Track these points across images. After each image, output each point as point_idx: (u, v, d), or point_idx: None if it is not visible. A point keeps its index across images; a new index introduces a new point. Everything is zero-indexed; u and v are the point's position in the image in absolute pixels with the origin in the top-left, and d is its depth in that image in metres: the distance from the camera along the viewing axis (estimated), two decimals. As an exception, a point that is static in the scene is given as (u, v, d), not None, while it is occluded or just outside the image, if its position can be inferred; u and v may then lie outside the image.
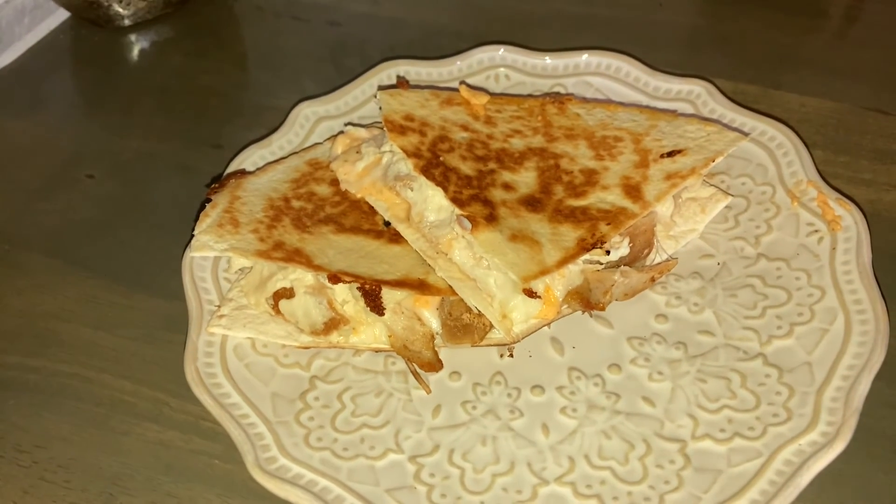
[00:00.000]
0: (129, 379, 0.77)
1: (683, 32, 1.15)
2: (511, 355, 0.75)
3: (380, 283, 0.72)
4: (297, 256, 0.73)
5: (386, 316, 0.73)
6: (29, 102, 1.09)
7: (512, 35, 1.07)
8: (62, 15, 1.20)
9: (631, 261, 0.76)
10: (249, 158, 0.89)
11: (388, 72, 0.98)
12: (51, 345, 0.81)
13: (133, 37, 1.18)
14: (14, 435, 0.74)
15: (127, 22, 1.17)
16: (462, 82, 0.89)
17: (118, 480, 0.71)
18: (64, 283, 0.86)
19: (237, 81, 1.12)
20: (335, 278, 0.71)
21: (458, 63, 0.99)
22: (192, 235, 0.81)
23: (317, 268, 0.72)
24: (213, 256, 0.80)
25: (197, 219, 0.77)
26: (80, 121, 1.08)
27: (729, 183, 0.86)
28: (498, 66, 0.99)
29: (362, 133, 0.84)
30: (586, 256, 0.72)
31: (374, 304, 0.72)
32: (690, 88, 0.93)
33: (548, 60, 0.99)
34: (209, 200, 0.79)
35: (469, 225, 0.72)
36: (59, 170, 0.99)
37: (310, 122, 0.94)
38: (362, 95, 0.96)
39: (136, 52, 1.17)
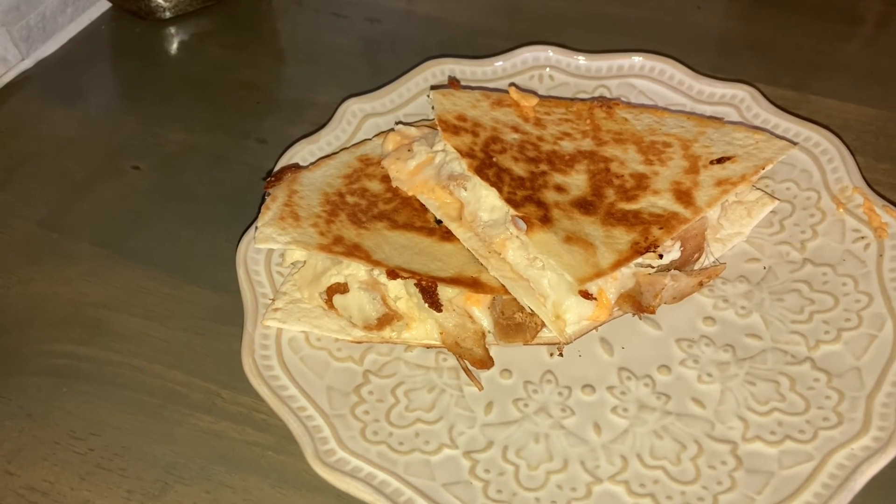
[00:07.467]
0: (180, 370, 0.78)
1: (720, 35, 1.15)
2: (561, 354, 0.75)
3: (435, 280, 0.73)
4: (356, 251, 0.74)
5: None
6: (71, 92, 1.10)
7: (545, 35, 1.07)
8: (103, 6, 1.20)
9: (681, 265, 0.76)
10: (299, 153, 0.89)
11: (432, 70, 0.98)
12: (101, 334, 0.81)
13: (173, 29, 1.19)
14: (69, 422, 0.75)
15: (167, 14, 1.18)
16: (512, 84, 0.89)
17: (172, 469, 0.71)
18: (112, 272, 0.87)
19: (276, 75, 1.12)
20: (393, 274, 0.72)
21: (502, 62, 0.99)
22: (248, 227, 0.82)
23: (376, 263, 0.73)
24: (267, 249, 0.81)
25: (258, 213, 0.78)
26: (121, 111, 1.08)
27: (773, 188, 0.86)
28: (542, 66, 0.99)
29: (413, 131, 0.85)
30: (638, 260, 0.72)
31: (432, 300, 0.72)
32: (735, 93, 0.93)
33: (592, 62, 0.99)
34: (267, 194, 0.80)
35: (524, 226, 0.72)
36: (104, 160, 1.00)
37: (357, 118, 0.94)
38: (408, 93, 0.97)
39: (175, 44, 1.17)
